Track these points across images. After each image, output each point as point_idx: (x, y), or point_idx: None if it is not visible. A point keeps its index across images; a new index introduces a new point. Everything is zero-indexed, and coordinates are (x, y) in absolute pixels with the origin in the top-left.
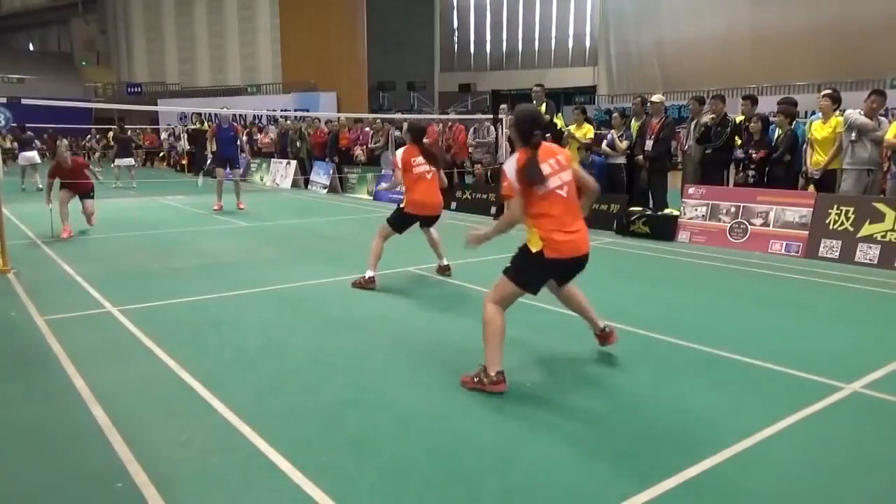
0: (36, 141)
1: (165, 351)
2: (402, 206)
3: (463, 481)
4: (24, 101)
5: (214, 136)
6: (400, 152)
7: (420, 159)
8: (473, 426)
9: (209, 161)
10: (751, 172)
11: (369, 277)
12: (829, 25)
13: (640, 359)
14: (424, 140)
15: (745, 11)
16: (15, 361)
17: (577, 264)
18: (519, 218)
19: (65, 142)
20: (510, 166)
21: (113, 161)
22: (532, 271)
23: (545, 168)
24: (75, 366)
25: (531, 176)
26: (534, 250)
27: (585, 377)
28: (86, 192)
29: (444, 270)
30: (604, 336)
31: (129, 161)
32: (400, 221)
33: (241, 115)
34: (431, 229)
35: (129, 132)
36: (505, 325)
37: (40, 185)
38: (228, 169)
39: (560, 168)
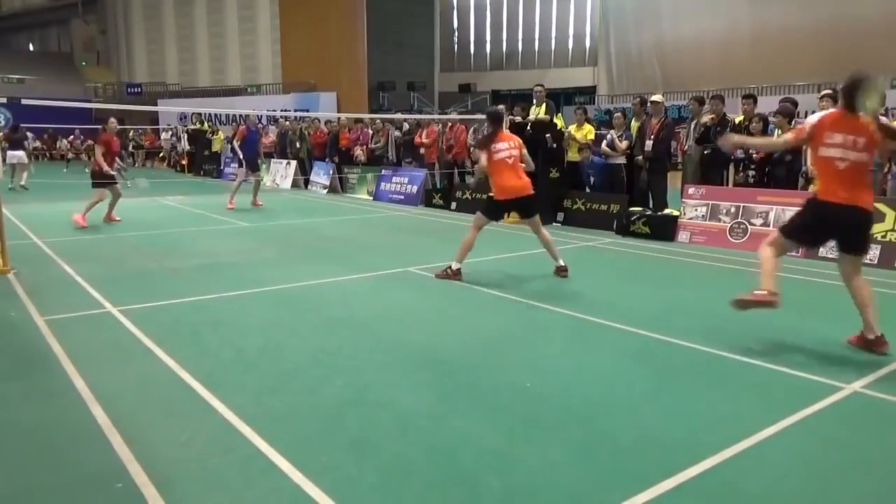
0: (27, 141)
1: (165, 351)
2: (491, 194)
3: (463, 481)
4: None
5: (244, 138)
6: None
7: (502, 145)
8: (473, 426)
9: (235, 162)
10: (751, 172)
11: (456, 269)
12: (829, 25)
13: (640, 359)
14: (504, 125)
15: (745, 11)
16: (15, 361)
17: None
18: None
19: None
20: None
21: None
22: (491, 207)
23: (503, 145)
24: (75, 366)
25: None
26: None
27: (585, 377)
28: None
29: (561, 271)
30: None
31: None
32: (493, 210)
33: (241, 116)
34: (542, 230)
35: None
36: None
37: (23, 184)
38: (247, 168)
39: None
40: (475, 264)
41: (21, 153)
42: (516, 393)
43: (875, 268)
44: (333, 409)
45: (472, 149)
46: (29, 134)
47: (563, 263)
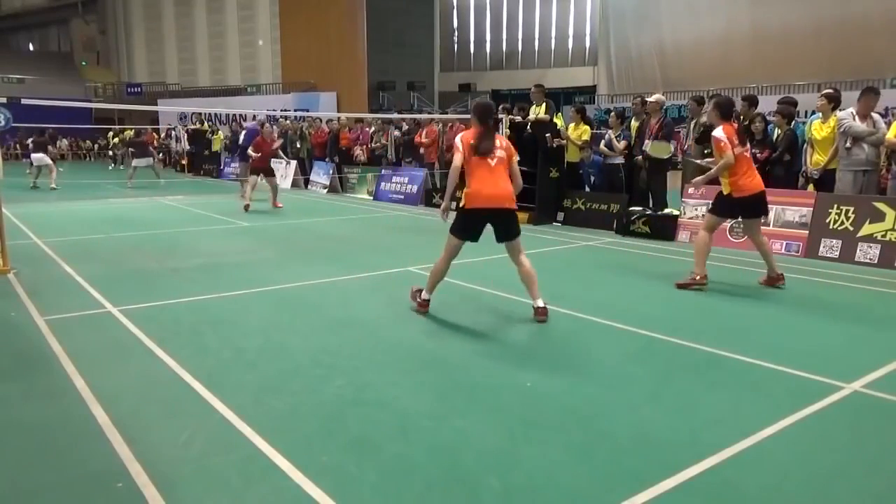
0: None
1: (166, 351)
2: (462, 204)
3: (463, 481)
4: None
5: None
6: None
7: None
8: (473, 426)
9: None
10: None
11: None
12: (829, 25)
13: (640, 359)
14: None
15: (745, 11)
16: (15, 361)
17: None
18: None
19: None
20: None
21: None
22: (462, 221)
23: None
24: (75, 366)
25: (482, 146)
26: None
27: (585, 377)
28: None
29: (539, 314)
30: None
31: (148, 160)
32: (464, 224)
33: (241, 115)
34: (523, 259)
35: (143, 134)
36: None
37: (54, 186)
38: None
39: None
40: (475, 264)
41: (41, 155)
42: (516, 393)
43: (875, 267)
44: (333, 409)
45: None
46: (58, 136)
47: (542, 304)
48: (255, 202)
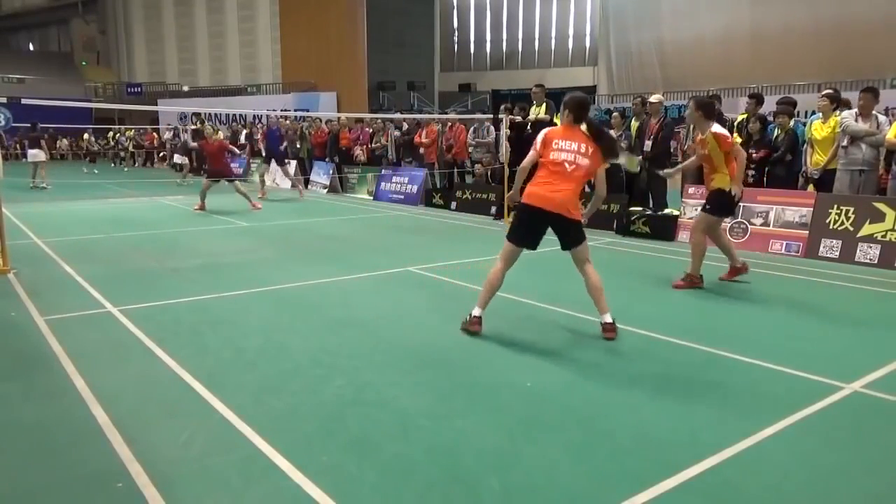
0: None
1: (165, 351)
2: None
3: (463, 481)
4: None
5: (264, 137)
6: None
7: (568, 144)
8: (473, 426)
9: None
10: (750, 172)
11: (476, 317)
12: (829, 25)
13: (640, 359)
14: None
15: (745, 11)
16: (15, 361)
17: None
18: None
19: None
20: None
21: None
22: (518, 222)
23: (568, 144)
24: (75, 366)
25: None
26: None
27: (585, 377)
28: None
29: (608, 331)
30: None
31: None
32: (521, 225)
33: (240, 115)
34: (590, 269)
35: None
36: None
37: (44, 185)
38: (276, 164)
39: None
40: (475, 264)
41: (37, 151)
42: (516, 393)
43: (875, 268)
44: (333, 408)
45: (470, 150)
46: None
47: (610, 320)
48: (266, 202)
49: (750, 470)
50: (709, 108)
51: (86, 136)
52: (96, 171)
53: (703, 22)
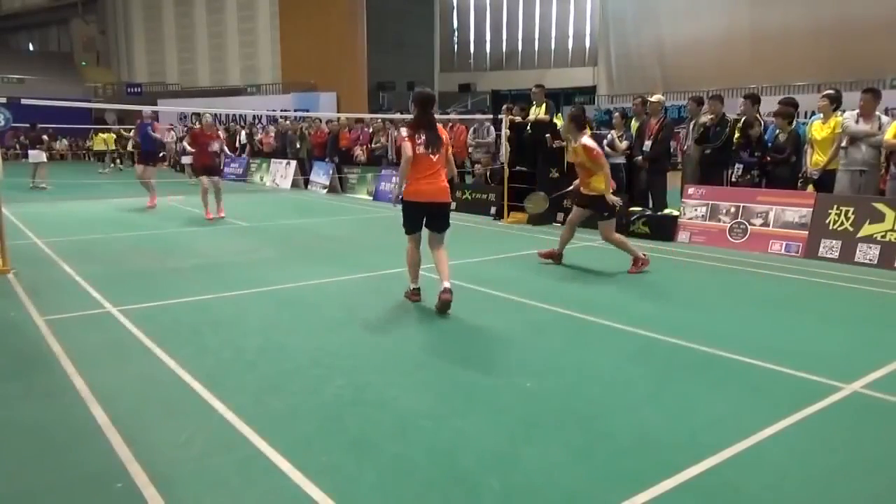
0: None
1: (165, 351)
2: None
3: (463, 481)
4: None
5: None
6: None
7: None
8: (473, 426)
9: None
10: (755, 172)
11: (413, 289)
12: (829, 25)
13: (640, 359)
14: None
15: (745, 11)
16: (15, 361)
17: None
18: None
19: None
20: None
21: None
22: (405, 214)
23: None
24: (75, 366)
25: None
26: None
27: (585, 377)
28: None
29: (444, 294)
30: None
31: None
32: (408, 217)
33: (240, 115)
34: (441, 251)
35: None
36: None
37: (44, 185)
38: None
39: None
40: (475, 264)
41: (37, 152)
42: (516, 393)
43: (875, 268)
44: (333, 409)
45: (470, 150)
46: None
47: (448, 285)
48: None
49: (750, 470)
50: (579, 120)
51: (102, 135)
52: (120, 168)
53: (702, 22)
